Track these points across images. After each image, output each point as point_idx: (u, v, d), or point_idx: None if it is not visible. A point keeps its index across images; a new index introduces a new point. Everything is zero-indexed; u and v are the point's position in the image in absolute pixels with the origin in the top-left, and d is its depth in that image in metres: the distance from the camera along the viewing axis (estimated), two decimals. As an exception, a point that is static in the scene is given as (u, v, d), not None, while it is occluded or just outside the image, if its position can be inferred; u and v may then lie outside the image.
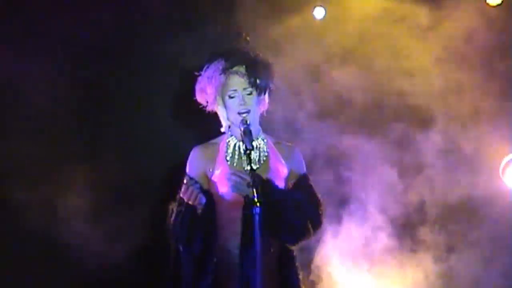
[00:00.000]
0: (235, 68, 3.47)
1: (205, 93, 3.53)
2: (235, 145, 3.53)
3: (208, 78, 3.49)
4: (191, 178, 3.38)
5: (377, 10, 5.20)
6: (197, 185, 3.32)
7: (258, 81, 3.47)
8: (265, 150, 3.55)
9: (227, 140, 3.55)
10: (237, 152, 3.52)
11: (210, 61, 3.52)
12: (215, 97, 3.51)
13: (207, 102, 3.56)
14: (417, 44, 5.19)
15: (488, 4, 5.19)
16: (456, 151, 5.12)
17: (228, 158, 3.52)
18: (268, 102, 3.62)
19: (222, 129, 3.60)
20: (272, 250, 3.37)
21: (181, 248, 3.42)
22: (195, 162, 3.53)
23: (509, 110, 5.08)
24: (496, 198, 5.00)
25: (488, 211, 5.07)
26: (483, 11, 5.13)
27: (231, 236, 3.38)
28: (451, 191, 5.10)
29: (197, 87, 3.56)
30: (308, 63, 5.19)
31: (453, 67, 5.13)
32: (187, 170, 3.54)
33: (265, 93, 3.54)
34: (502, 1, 5.16)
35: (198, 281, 3.36)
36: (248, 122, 3.41)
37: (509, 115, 5.08)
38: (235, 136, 3.54)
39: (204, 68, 3.52)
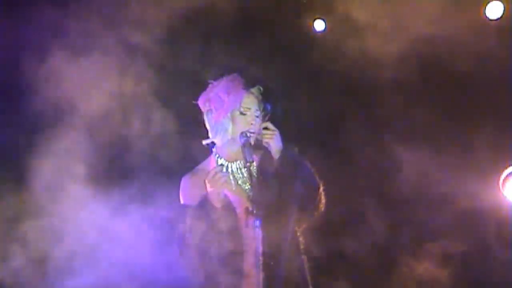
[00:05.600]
0: (253, 89, 3.52)
1: (219, 102, 3.52)
2: (227, 167, 3.55)
3: (227, 88, 3.51)
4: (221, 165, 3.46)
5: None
6: (226, 173, 3.38)
7: (268, 107, 3.53)
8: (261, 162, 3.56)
9: (219, 163, 3.55)
10: (231, 175, 3.53)
11: (225, 72, 3.56)
12: (228, 109, 3.50)
13: (207, 110, 3.56)
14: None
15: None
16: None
17: None
18: None
19: (206, 141, 3.59)
20: (272, 263, 3.36)
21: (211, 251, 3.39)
22: (189, 192, 3.54)
23: (509, 122, 5.10)
24: (496, 210, 5.00)
25: (488, 223, 5.08)
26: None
27: (232, 250, 3.38)
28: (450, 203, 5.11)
29: (207, 94, 3.57)
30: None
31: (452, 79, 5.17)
32: (182, 200, 3.55)
33: (264, 119, 3.56)
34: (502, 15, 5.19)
35: None
36: (248, 135, 3.44)
37: (509, 127, 5.10)
38: (224, 158, 3.55)
39: (219, 79, 3.55)
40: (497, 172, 4.93)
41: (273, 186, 3.40)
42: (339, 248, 4.92)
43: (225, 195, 3.41)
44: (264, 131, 3.47)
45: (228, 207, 3.41)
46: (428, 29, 4.98)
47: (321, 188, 3.53)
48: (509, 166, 4.89)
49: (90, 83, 4.30)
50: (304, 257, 3.53)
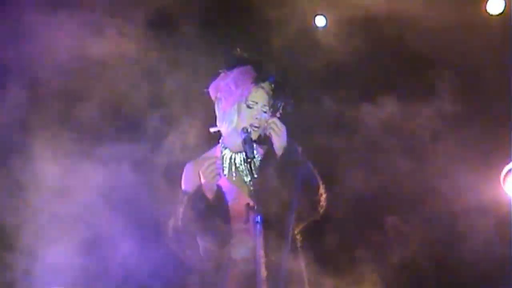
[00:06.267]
0: (264, 84, 3.49)
1: (226, 92, 3.51)
2: (230, 158, 3.54)
3: (235, 79, 3.49)
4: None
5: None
6: (220, 165, 3.37)
7: (278, 104, 3.51)
8: (263, 157, 3.55)
9: (222, 154, 3.55)
10: (233, 165, 3.53)
11: (238, 63, 3.53)
12: (235, 101, 3.48)
13: (217, 98, 3.56)
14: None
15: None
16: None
17: (225, 172, 3.52)
18: None
19: (213, 129, 3.58)
20: (273, 258, 3.36)
21: (199, 240, 3.39)
22: (191, 178, 3.52)
23: (510, 117, 5.10)
24: (497, 207, 5.00)
25: (488, 219, 5.08)
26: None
27: (233, 246, 3.38)
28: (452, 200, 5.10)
29: (217, 82, 3.56)
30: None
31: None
32: (183, 187, 3.54)
33: (274, 115, 3.53)
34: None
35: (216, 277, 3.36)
36: (248, 130, 3.43)
37: (509, 122, 5.10)
38: (229, 148, 3.55)
39: (231, 68, 3.54)
40: (498, 168, 4.93)
41: (273, 182, 3.39)
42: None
43: (219, 187, 3.40)
44: (270, 126, 3.46)
45: (220, 199, 3.39)
46: (428, 23, 4.99)
47: (321, 190, 3.51)
48: (510, 161, 4.88)
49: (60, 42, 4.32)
50: (301, 255, 3.52)
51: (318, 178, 3.51)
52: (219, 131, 3.58)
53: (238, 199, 3.42)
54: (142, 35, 4.51)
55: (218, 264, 3.36)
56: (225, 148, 3.56)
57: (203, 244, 3.39)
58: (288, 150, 3.46)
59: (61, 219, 4.25)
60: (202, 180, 3.37)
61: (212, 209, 3.35)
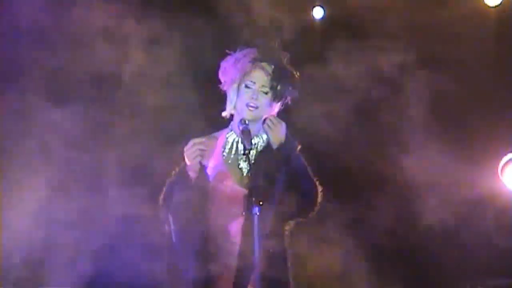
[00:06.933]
0: (263, 63, 3.47)
1: (227, 72, 3.50)
2: (233, 141, 3.52)
3: (236, 59, 3.48)
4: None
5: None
6: (202, 146, 3.34)
7: (278, 86, 3.45)
8: (263, 147, 3.51)
9: (226, 136, 3.52)
10: (234, 149, 3.50)
11: (245, 45, 3.52)
12: (233, 80, 3.47)
13: (224, 81, 3.54)
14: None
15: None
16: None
17: (224, 153, 3.49)
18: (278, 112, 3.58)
19: (224, 113, 3.57)
20: (271, 251, 3.36)
21: (170, 217, 3.38)
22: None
23: (507, 107, 5.11)
24: (495, 198, 5.01)
25: (487, 211, 5.09)
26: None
27: (224, 230, 3.35)
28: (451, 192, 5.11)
29: (224, 64, 3.54)
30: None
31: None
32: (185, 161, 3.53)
33: (279, 100, 3.50)
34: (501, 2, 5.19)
35: (185, 257, 3.34)
36: (246, 122, 3.40)
37: (506, 113, 5.11)
38: (234, 132, 3.52)
39: (238, 50, 3.52)
40: (495, 159, 4.94)
41: (263, 175, 3.37)
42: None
43: (204, 168, 3.39)
44: (266, 122, 3.44)
45: (202, 180, 3.38)
46: (427, 15, 4.99)
47: (314, 192, 3.44)
48: (508, 152, 4.89)
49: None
50: (287, 248, 3.46)
51: (312, 180, 3.45)
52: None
53: (225, 182, 3.41)
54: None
55: (189, 244, 3.33)
56: (231, 131, 3.53)
57: (179, 222, 3.36)
58: (283, 146, 3.44)
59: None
60: (186, 160, 3.38)
61: (192, 189, 3.34)
